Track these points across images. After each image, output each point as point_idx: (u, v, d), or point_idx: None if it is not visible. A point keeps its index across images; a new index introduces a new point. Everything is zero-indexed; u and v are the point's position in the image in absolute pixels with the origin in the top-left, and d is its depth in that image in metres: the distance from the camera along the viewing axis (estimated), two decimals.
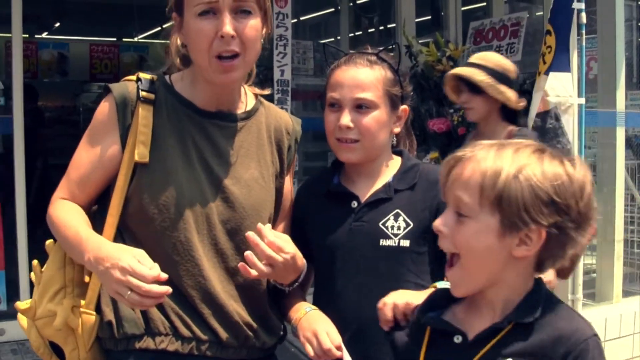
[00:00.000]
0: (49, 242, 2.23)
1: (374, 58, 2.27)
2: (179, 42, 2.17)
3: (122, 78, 2.23)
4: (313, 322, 2.11)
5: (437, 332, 1.75)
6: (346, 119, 2.20)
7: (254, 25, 2.07)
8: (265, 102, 2.35)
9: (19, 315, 2.20)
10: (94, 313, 2.11)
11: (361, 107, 2.21)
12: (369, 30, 9.25)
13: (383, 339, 2.01)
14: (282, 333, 2.32)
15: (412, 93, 2.37)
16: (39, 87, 8.58)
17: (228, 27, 2.01)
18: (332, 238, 2.24)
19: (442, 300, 1.79)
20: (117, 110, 2.12)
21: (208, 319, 2.11)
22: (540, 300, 1.65)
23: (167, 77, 2.23)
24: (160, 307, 2.07)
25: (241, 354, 2.18)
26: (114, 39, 12.06)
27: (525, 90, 6.48)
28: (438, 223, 1.67)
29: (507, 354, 1.60)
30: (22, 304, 2.16)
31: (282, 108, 5.99)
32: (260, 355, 2.25)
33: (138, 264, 1.81)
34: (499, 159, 1.60)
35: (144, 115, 2.11)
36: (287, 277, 2.13)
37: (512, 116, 3.94)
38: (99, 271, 1.88)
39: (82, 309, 2.12)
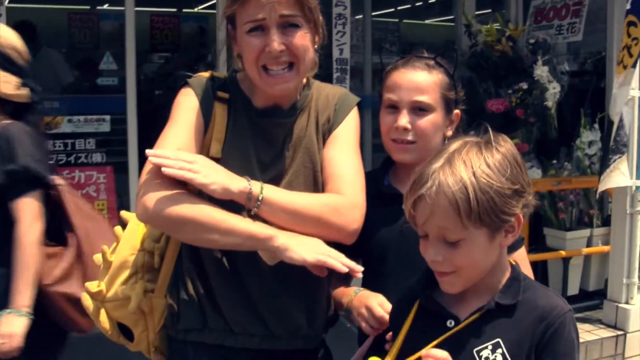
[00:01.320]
0: (117, 228, 2.35)
1: (432, 62, 2.31)
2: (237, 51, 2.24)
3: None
4: (364, 299, 2.17)
5: (425, 311, 1.88)
6: (404, 120, 2.25)
7: (302, 35, 2.12)
8: (315, 83, 2.37)
9: (84, 296, 2.32)
10: (164, 298, 2.24)
11: (419, 109, 2.26)
12: (429, 2, 9.21)
13: None
14: (333, 319, 2.39)
15: (464, 98, 2.41)
16: (101, 58, 8.71)
17: (275, 44, 2.07)
18: (382, 238, 2.28)
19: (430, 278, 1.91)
20: (200, 104, 2.20)
21: (262, 312, 2.19)
22: (520, 283, 1.83)
23: (235, 75, 2.30)
24: (217, 305, 2.18)
25: (295, 344, 2.25)
26: (174, 10, 12.14)
27: (586, 70, 6.45)
28: (431, 256, 1.78)
29: (496, 335, 1.76)
30: (92, 286, 2.29)
31: (340, 87, 6.08)
32: (314, 344, 2.32)
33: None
34: (458, 178, 1.71)
35: (219, 114, 2.21)
36: None
37: (16, 109, 2.94)
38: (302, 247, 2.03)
39: (153, 294, 2.24)
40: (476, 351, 1.76)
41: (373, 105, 5.77)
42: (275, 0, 2.06)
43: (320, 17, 2.20)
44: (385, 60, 2.45)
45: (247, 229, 2.03)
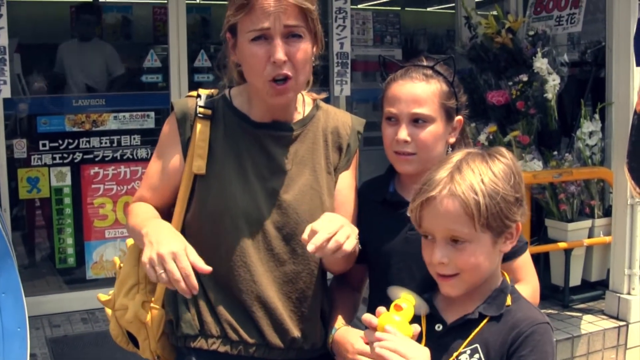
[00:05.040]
0: (129, 240, 2.40)
1: (429, 72, 2.31)
2: (233, 60, 2.27)
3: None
4: (347, 339, 2.18)
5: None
6: (403, 133, 2.26)
7: (304, 48, 2.15)
8: (324, 106, 2.41)
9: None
10: (161, 309, 2.30)
11: (418, 121, 2.27)
12: None
13: None
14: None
15: (466, 103, 2.43)
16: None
17: (280, 54, 2.10)
18: (387, 245, 2.31)
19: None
20: (178, 125, 2.28)
21: (258, 321, 2.23)
22: (505, 295, 1.94)
23: (227, 90, 2.34)
24: (213, 312, 2.24)
25: (289, 355, 2.29)
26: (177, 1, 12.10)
27: (586, 60, 6.45)
28: (437, 258, 1.87)
29: (476, 341, 1.89)
30: (103, 296, 2.39)
31: (341, 81, 6.12)
32: (312, 355, 2.35)
33: (185, 255, 1.95)
34: (468, 184, 1.84)
35: (201, 130, 2.26)
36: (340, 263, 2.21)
37: None
38: (147, 241, 2.02)
39: (151, 305, 2.30)
40: (456, 354, 1.88)
41: None
42: (281, 10, 2.08)
43: (320, 28, 2.23)
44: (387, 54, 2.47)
45: (140, 229, 2.12)
